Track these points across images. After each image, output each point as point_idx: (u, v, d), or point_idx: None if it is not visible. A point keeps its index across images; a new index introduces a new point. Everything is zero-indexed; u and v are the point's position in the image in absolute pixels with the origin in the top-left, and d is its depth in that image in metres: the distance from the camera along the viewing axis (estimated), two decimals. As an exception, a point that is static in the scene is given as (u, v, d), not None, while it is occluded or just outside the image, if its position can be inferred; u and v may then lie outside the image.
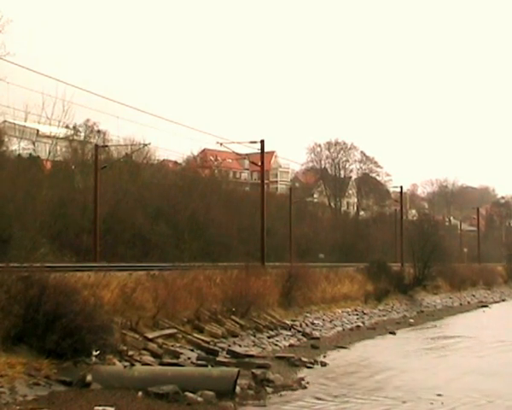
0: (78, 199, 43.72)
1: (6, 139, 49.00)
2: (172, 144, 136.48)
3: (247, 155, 56.30)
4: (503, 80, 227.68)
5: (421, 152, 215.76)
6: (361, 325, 41.06)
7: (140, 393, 17.67)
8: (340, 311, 43.01)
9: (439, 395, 20.19)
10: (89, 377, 17.79)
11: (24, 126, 48.07)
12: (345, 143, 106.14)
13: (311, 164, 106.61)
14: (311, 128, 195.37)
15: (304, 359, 26.19)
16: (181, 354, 23.37)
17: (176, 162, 74.25)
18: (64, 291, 19.55)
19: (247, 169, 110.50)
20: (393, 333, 38.57)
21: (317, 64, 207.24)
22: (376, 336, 37.30)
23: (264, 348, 28.23)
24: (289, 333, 32.94)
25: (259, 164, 47.47)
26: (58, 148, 49.04)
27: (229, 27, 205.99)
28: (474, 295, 71.94)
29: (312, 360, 26.19)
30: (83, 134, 60.99)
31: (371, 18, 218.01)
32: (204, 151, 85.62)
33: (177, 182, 57.98)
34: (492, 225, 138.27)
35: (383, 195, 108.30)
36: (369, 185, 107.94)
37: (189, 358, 23.24)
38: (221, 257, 42.70)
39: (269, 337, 30.65)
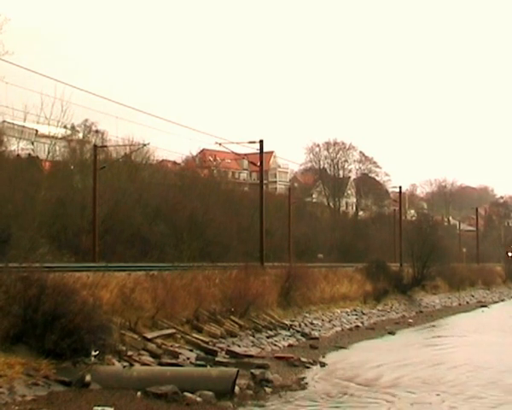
0: (76, 199, 43.65)
1: (5, 139, 48.95)
2: (171, 144, 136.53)
3: (245, 155, 56.24)
4: (502, 80, 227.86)
5: (421, 152, 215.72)
6: (360, 325, 41.06)
7: (139, 393, 17.67)
8: (339, 311, 43.01)
9: (438, 394, 20.23)
10: (88, 378, 17.78)
11: (23, 126, 48.01)
12: (343, 143, 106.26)
13: (309, 164, 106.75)
14: (310, 128, 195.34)
15: (303, 359, 26.20)
16: (180, 354, 23.37)
17: (175, 162, 74.18)
18: (63, 291, 19.55)
19: (246, 169, 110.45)
20: (392, 333, 38.57)
21: (315, 64, 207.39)
22: (375, 336, 37.30)
23: (263, 349, 28.24)
24: (288, 333, 32.95)
25: (258, 164, 47.46)
26: (57, 148, 48.94)
27: (228, 27, 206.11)
28: (472, 296, 71.97)
29: (311, 361, 26.20)
30: (81, 134, 60.97)
31: (370, 18, 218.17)
32: (203, 151, 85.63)
33: (176, 182, 57.92)
34: (491, 225, 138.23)
35: (382, 195, 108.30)
36: (368, 185, 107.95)
37: (187, 358, 23.25)
38: (220, 257, 42.65)
39: (268, 337, 30.66)
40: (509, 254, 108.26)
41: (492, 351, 31.92)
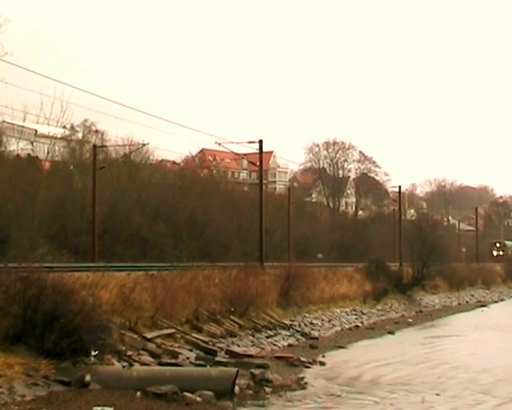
0: (76, 199, 43.65)
1: (4, 139, 48.92)
2: (171, 144, 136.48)
3: (245, 154, 56.22)
4: (501, 80, 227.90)
5: (420, 152, 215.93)
6: (360, 324, 41.06)
7: (139, 393, 17.66)
8: (338, 311, 43.00)
9: (438, 394, 20.25)
10: (87, 378, 17.77)
11: (22, 127, 47.98)
12: (343, 143, 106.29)
13: (309, 164, 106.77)
14: (310, 128, 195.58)
15: (302, 359, 26.21)
16: (179, 354, 23.37)
17: (174, 162, 74.20)
18: (62, 291, 19.54)
19: (246, 169, 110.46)
20: (392, 333, 38.56)
21: (315, 64, 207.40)
22: (375, 335, 37.31)
23: (262, 348, 28.23)
24: (288, 333, 32.94)
25: (258, 164, 47.43)
26: (56, 148, 48.93)
27: (227, 27, 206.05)
28: (472, 295, 71.92)
29: (311, 360, 26.21)
30: (81, 134, 60.95)
31: (370, 18, 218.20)
32: (202, 151, 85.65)
33: (176, 182, 57.88)
34: (491, 224, 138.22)
35: (382, 194, 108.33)
36: (368, 185, 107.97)
37: (187, 358, 23.25)
38: (220, 257, 42.64)
39: (267, 337, 30.65)
40: (494, 253, 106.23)
41: (487, 350, 32.06)
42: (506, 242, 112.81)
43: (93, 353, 19.06)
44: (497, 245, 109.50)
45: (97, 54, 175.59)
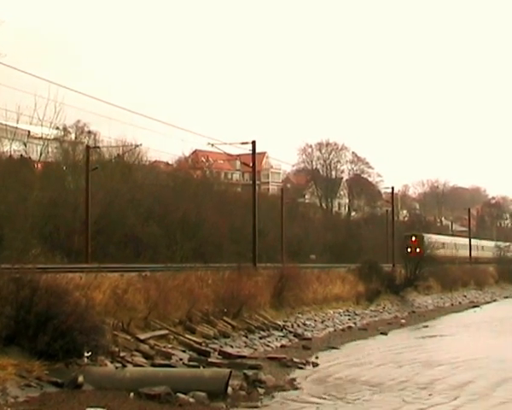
0: (69, 200, 43.62)
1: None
2: (164, 145, 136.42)
3: (238, 155, 56.32)
4: (494, 82, 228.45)
5: (413, 153, 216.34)
6: (352, 325, 41.11)
7: (132, 394, 17.65)
8: (331, 312, 43.05)
9: (430, 394, 20.31)
10: (80, 379, 17.75)
11: (15, 128, 47.92)
12: (336, 144, 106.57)
13: (302, 165, 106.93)
14: (303, 129, 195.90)
15: (295, 359, 26.24)
16: (173, 355, 23.37)
17: (167, 163, 74.30)
18: (55, 292, 19.51)
19: (239, 170, 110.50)
20: (385, 334, 38.62)
21: (308, 65, 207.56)
22: (368, 336, 37.35)
23: (255, 349, 28.26)
24: (281, 334, 32.97)
25: (251, 165, 47.44)
26: (49, 149, 48.89)
27: (221, 28, 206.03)
28: (465, 296, 72.03)
29: (304, 361, 26.23)
30: (73, 135, 60.89)
31: (363, 19, 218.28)
32: (195, 152, 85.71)
33: (169, 183, 57.95)
34: (483, 225, 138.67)
35: (374, 195, 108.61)
36: (361, 186, 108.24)
37: (180, 359, 23.25)
38: (213, 258, 42.68)
39: (260, 338, 30.67)
40: (409, 249, 76.21)
41: (478, 350, 32.19)
42: (425, 235, 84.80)
43: (86, 354, 19.04)
44: (413, 239, 79.55)
45: (96, 54, 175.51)
